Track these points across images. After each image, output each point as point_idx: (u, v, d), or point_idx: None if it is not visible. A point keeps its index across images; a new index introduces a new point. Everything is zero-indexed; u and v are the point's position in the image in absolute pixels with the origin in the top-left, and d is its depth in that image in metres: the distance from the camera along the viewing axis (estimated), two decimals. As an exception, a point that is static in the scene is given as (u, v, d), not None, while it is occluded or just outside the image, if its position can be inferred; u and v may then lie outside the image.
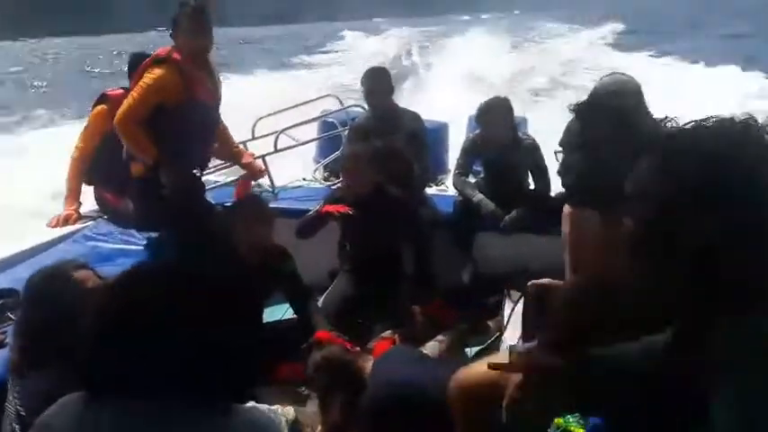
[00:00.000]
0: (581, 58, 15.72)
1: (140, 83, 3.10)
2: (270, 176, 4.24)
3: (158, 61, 3.12)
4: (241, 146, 4.39)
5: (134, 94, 3.10)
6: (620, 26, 26.23)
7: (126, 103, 3.11)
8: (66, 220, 3.52)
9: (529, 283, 2.45)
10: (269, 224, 3.02)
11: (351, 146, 3.73)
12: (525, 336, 2.85)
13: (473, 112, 3.79)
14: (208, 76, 3.25)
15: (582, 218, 2.52)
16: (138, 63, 3.25)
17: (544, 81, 12.84)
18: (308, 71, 15.38)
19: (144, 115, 3.08)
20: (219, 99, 3.35)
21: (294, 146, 4.44)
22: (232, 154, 3.67)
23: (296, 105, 4.87)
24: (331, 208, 3.26)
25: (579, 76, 13.17)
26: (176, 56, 3.12)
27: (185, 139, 3.14)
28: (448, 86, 10.53)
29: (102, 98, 3.63)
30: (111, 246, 3.26)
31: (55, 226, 3.49)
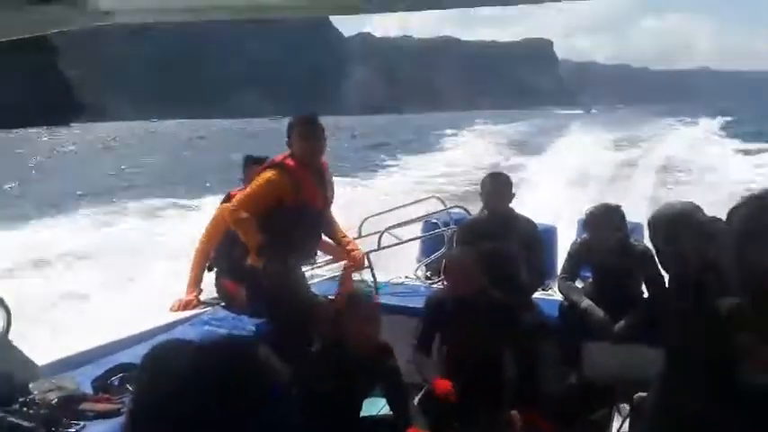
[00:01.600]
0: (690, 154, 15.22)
1: (254, 182, 3.42)
2: (373, 272, 4.36)
3: (274, 166, 3.43)
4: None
5: (247, 190, 3.45)
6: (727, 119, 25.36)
7: (238, 196, 3.46)
8: (186, 305, 3.79)
9: (636, 396, 2.29)
10: (377, 323, 3.05)
11: (458, 247, 3.77)
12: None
13: (579, 213, 3.76)
14: (318, 180, 3.51)
15: None
16: (249, 164, 3.68)
17: (649, 181, 12.37)
18: (408, 170, 15.82)
19: (253, 209, 3.35)
20: (329, 200, 3.60)
21: (397, 243, 4.57)
22: (339, 244, 3.81)
23: (400, 207, 5.06)
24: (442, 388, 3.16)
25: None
26: (289, 162, 3.42)
27: (290, 236, 3.37)
28: (550, 185, 10.49)
29: (228, 197, 3.97)
30: (223, 330, 3.44)
31: (176, 310, 3.75)
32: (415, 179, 13.65)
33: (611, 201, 3.81)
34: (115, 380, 2.55)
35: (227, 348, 1.29)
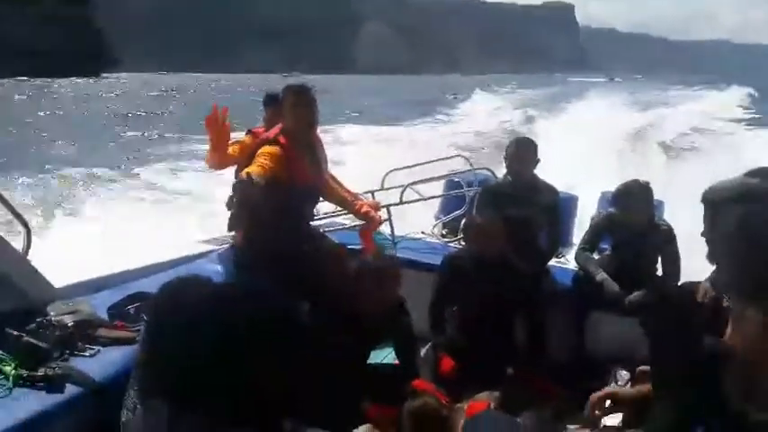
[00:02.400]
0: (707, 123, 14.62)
1: (259, 154, 3.23)
2: (392, 226, 4.38)
3: (268, 141, 3.30)
4: (368, 195, 4.63)
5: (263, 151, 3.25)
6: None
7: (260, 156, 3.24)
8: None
9: (638, 369, 2.29)
10: (396, 284, 3.02)
11: (483, 211, 3.75)
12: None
13: (597, 180, 3.70)
14: (310, 156, 3.40)
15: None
16: (269, 103, 3.61)
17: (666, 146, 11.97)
18: (435, 125, 15.51)
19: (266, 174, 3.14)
20: (323, 174, 3.49)
21: (419, 200, 4.56)
22: (345, 202, 3.77)
23: (426, 162, 5.03)
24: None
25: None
26: (282, 139, 3.28)
27: (279, 215, 3.27)
28: (568, 152, 10.27)
29: (249, 132, 3.98)
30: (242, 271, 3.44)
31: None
32: (440, 136, 13.44)
33: (631, 173, 3.75)
34: (131, 308, 2.61)
35: (242, 295, 1.32)
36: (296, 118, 3.32)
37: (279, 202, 3.22)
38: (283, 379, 1.19)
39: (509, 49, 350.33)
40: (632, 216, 3.50)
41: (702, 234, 2.93)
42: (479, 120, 15.78)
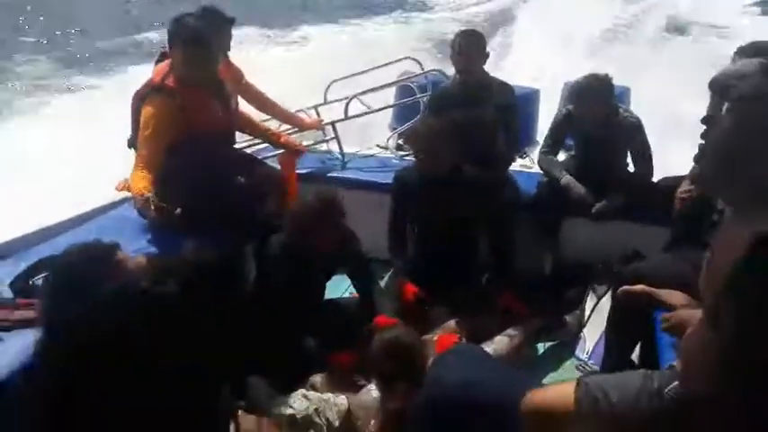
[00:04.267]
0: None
1: (142, 123, 2.72)
2: (339, 144, 4.03)
3: (153, 92, 2.75)
4: (311, 112, 4.23)
5: (139, 137, 2.74)
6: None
7: (137, 156, 2.75)
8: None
9: (620, 290, 2.08)
10: (338, 222, 2.71)
11: (428, 119, 3.37)
12: (608, 349, 2.53)
13: (568, 74, 3.36)
14: (217, 95, 2.89)
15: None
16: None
17: (648, 36, 11.13)
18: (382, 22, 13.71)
19: (154, 161, 2.69)
20: (231, 118, 3.00)
21: (366, 113, 4.17)
22: (264, 134, 3.39)
23: (372, 69, 4.57)
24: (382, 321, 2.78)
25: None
26: (170, 83, 2.74)
27: (188, 175, 2.80)
28: (539, 42, 9.64)
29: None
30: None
31: (121, 190, 3.39)
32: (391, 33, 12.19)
33: (604, 61, 3.42)
34: (38, 279, 2.24)
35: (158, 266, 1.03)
36: (188, 71, 2.75)
37: (186, 160, 2.76)
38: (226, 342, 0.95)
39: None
40: (590, 113, 3.21)
41: (703, 121, 2.69)
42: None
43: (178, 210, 2.49)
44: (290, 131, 3.95)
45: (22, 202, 4.08)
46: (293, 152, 3.39)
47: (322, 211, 2.61)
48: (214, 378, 0.98)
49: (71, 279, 1.67)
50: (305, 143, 4.13)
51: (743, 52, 2.83)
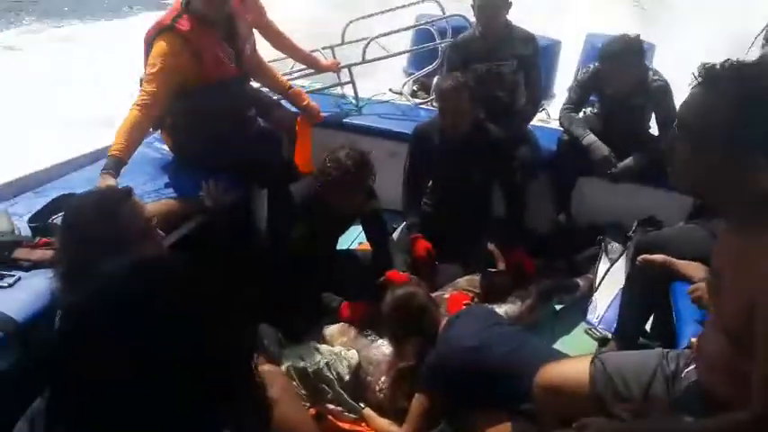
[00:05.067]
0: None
1: (150, 60, 2.56)
2: (355, 88, 3.93)
3: (164, 31, 2.58)
4: (327, 52, 4.08)
5: (146, 74, 2.57)
6: None
7: (142, 89, 2.55)
8: None
9: (639, 258, 2.06)
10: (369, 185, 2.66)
11: (447, 73, 3.25)
12: (622, 317, 2.52)
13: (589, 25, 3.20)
14: (229, 38, 2.73)
15: None
16: None
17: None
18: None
19: (160, 103, 2.55)
20: (243, 59, 2.82)
21: (383, 57, 4.03)
22: (280, 87, 3.21)
23: (390, 9, 4.40)
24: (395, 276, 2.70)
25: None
26: (182, 25, 2.58)
27: (203, 123, 2.72)
28: None
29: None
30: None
31: None
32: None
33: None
34: (56, 219, 2.18)
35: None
36: (201, 8, 2.61)
37: (198, 108, 2.67)
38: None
39: None
40: (619, 77, 3.10)
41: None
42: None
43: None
44: (306, 72, 3.84)
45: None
46: (311, 118, 3.22)
47: (355, 173, 2.53)
48: (238, 324, 0.93)
49: (84, 232, 1.62)
50: (318, 87, 4.03)
51: None
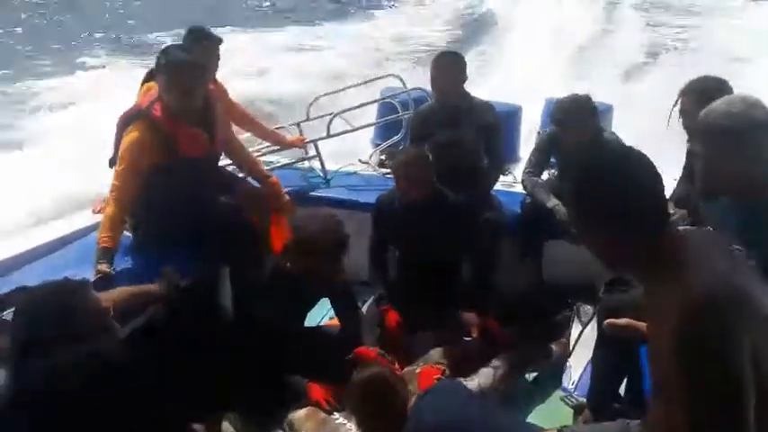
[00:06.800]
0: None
1: (122, 147, 2.73)
2: (321, 162, 3.97)
3: (138, 118, 2.75)
4: (293, 128, 4.16)
5: (118, 163, 2.75)
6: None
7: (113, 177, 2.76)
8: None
9: (605, 323, 2.04)
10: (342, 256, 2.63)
11: (406, 148, 3.31)
12: (594, 382, 2.48)
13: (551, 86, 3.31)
14: (204, 122, 2.85)
15: None
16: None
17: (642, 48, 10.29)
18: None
19: (131, 186, 2.72)
20: (216, 139, 2.93)
21: (348, 131, 4.12)
22: (251, 168, 3.30)
23: (355, 85, 4.54)
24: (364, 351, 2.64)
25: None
26: (156, 113, 2.73)
27: (170, 200, 2.79)
28: (526, 45, 9.34)
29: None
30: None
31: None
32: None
33: (586, 71, 3.38)
34: (8, 314, 2.13)
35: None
36: (173, 98, 2.73)
37: (166, 187, 2.75)
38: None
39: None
40: (572, 136, 3.17)
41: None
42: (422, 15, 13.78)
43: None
44: (271, 149, 3.89)
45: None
46: (287, 211, 3.26)
47: (329, 243, 2.52)
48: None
49: (36, 325, 1.59)
50: (285, 161, 4.07)
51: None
